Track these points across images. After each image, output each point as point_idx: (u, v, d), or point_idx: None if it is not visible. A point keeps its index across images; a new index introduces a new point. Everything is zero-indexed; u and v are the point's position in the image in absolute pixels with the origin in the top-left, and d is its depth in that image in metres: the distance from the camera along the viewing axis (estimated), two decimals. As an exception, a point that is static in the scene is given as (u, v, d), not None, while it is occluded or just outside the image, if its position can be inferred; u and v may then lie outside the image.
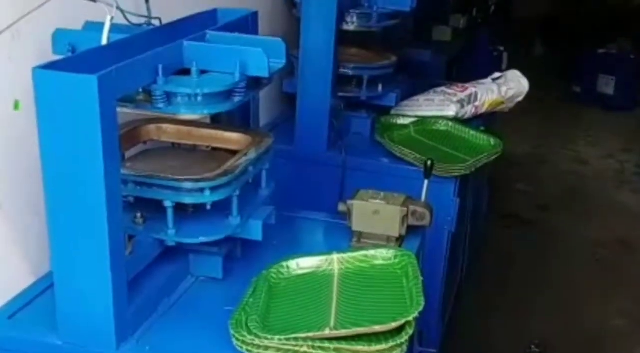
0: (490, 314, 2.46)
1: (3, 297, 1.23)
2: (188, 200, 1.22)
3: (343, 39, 2.04)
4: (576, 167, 4.01)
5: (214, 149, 1.43)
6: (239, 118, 1.47)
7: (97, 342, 1.12)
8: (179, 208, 1.24)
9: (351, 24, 2.09)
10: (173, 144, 1.45)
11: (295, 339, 1.09)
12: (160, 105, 1.15)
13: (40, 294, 1.25)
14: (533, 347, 2.32)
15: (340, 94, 2.11)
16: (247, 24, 1.43)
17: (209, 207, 1.23)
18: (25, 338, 1.17)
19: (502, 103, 2.38)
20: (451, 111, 2.25)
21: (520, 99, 2.44)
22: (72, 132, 1.01)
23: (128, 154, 1.37)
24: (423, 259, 1.54)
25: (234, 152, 1.36)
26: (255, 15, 1.46)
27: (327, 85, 2.00)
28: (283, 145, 1.46)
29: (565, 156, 4.11)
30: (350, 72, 2.13)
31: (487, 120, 2.39)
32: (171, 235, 1.23)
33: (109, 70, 1.01)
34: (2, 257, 1.27)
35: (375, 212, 1.47)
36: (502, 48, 4.05)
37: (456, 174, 1.95)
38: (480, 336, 2.37)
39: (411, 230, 1.49)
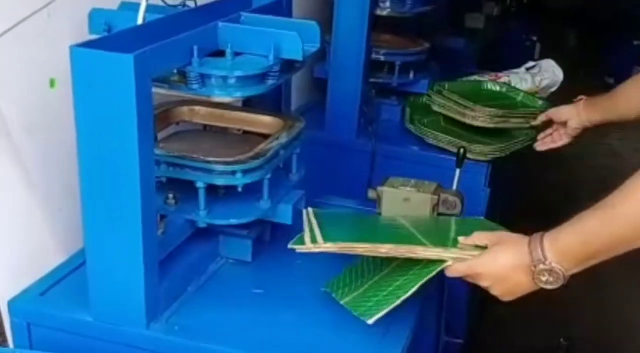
0: (518, 305, 2.43)
1: (35, 274, 1.25)
2: (220, 181, 1.22)
3: (375, 24, 2.02)
4: (608, 161, 3.94)
5: (245, 132, 1.43)
6: (270, 102, 1.47)
7: (127, 320, 1.13)
8: (211, 190, 1.24)
9: (385, 9, 2.07)
10: (205, 126, 1.45)
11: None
12: (195, 87, 1.15)
13: (72, 272, 1.27)
14: (562, 340, 2.30)
15: (372, 80, 2.09)
16: (281, 6, 1.43)
17: (240, 190, 1.23)
18: (56, 315, 1.18)
19: (536, 93, 2.34)
20: (483, 100, 2.23)
21: (554, 89, 2.40)
22: (108, 110, 1.01)
23: (160, 136, 1.37)
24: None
25: (265, 136, 1.36)
26: (289, -2, 1.45)
27: (359, 71, 1.98)
28: (313, 131, 1.46)
29: (598, 149, 4.04)
30: (382, 58, 2.11)
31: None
32: (203, 216, 1.23)
33: (145, 50, 1.01)
34: (34, 235, 1.29)
35: (405, 200, 1.45)
36: (535, 38, 3.99)
37: (490, 157, 1.94)
38: (508, 327, 2.35)
39: (441, 218, 1.48)
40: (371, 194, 1.50)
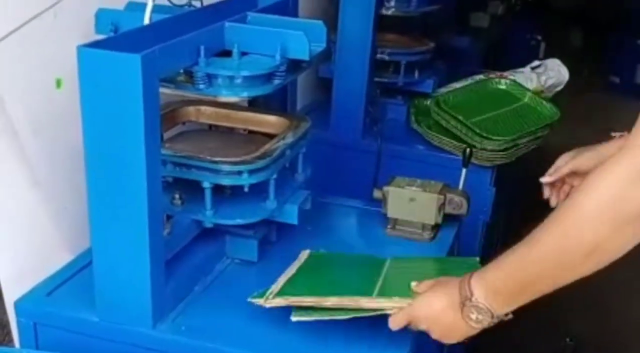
0: (523, 308, 2.43)
1: (41, 274, 1.25)
2: (226, 181, 1.22)
3: (380, 23, 2.02)
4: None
5: (250, 132, 1.43)
6: (276, 102, 1.47)
7: (134, 320, 1.13)
8: (217, 190, 1.24)
9: (390, 9, 2.07)
10: (210, 126, 1.45)
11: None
12: (201, 87, 1.15)
13: (77, 272, 1.27)
14: (568, 340, 2.30)
15: (377, 80, 2.09)
16: (286, 6, 1.42)
17: (246, 189, 1.23)
18: (62, 314, 1.18)
19: (541, 92, 2.34)
20: (489, 99, 2.22)
21: (559, 88, 2.39)
22: (115, 110, 1.01)
23: (166, 135, 1.37)
24: (458, 248, 1.53)
25: (270, 136, 1.36)
26: (295, -3, 1.45)
27: (364, 71, 1.98)
28: (318, 131, 1.46)
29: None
30: (387, 58, 2.11)
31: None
32: (209, 216, 1.23)
33: (152, 50, 1.01)
34: (40, 234, 1.29)
35: (411, 199, 1.45)
36: (539, 37, 3.98)
37: (496, 163, 1.93)
38: (513, 329, 2.35)
39: (447, 218, 1.48)
40: (377, 194, 1.50)
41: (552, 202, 1.37)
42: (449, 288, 1.07)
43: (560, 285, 0.99)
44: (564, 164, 1.35)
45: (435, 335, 1.09)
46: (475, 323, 1.03)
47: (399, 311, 1.09)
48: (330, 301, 1.08)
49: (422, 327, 1.09)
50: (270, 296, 1.12)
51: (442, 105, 2.01)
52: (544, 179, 1.35)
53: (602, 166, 0.93)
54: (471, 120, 1.96)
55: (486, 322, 1.03)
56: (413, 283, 1.13)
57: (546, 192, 1.39)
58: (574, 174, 1.33)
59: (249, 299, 1.14)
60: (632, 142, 0.90)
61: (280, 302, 1.10)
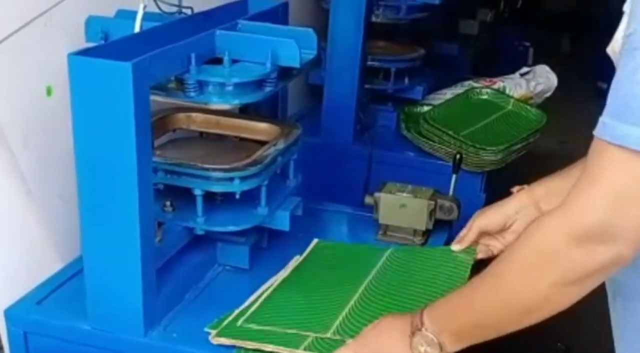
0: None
1: (32, 282, 1.25)
2: (217, 188, 1.22)
3: (370, 30, 2.03)
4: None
5: (241, 139, 1.43)
6: (267, 108, 1.47)
7: (125, 328, 1.13)
8: (208, 197, 1.24)
9: (379, 16, 2.08)
10: (201, 133, 1.45)
11: None
12: (192, 94, 1.15)
13: (68, 280, 1.26)
14: (559, 344, 2.30)
15: (367, 86, 2.10)
16: (277, 14, 1.43)
17: (237, 196, 1.23)
18: (53, 323, 1.18)
19: (530, 98, 2.35)
20: (478, 105, 2.23)
21: (548, 94, 2.41)
22: (106, 118, 1.01)
23: (157, 143, 1.37)
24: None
25: (261, 143, 1.36)
26: (285, 5, 1.46)
27: (355, 78, 1.99)
28: (308, 137, 1.46)
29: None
30: (377, 64, 2.12)
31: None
32: (200, 223, 1.23)
33: (143, 58, 1.01)
34: (31, 242, 1.28)
35: (402, 205, 1.46)
36: (528, 43, 4.01)
37: (486, 169, 1.94)
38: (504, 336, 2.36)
39: (438, 224, 1.49)
40: (368, 200, 1.50)
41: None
42: (399, 318, 1.05)
43: (507, 332, 0.96)
44: (466, 230, 1.31)
45: None
46: None
47: (345, 347, 1.07)
48: (270, 347, 1.09)
49: None
50: (220, 330, 1.13)
51: (430, 121, 2.02)
52: (454, 247, 1.31)
53: (541, 220, 0.89)
54: (462, 133, 1.97)
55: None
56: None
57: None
58: (484, 234, 1.30)
59: (205, 329, 1.14)
60: (572, 200, 0.86)
61: (224, 341, 1.12)
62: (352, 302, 1.20)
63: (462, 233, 1.32)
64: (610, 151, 0.82)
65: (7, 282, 1.22)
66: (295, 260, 1.35)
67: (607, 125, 0.82)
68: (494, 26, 3.42)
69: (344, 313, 1.17)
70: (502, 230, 1.28)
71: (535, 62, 2.68)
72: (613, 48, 0.94)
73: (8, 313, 1.18)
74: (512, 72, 2.46)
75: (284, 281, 1.28)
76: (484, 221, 1.29)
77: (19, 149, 1.22)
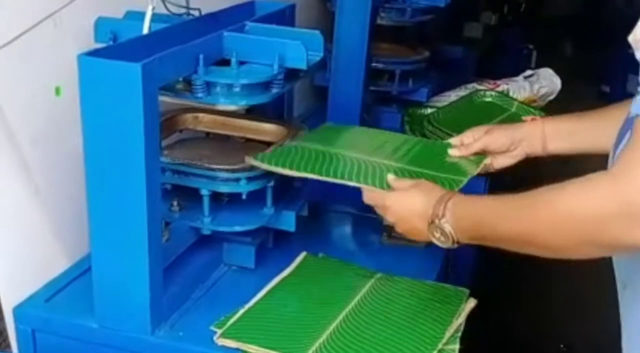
0: (515, 315, 2.44)
1: (40, 280, 1.26)
2: (224, 189, 1.23)
3: (375, 32, 2.04)
4: (602, 167, 3.95)
5: (247, 140, 1.44)
6: (273, 109, 1.48)
7: (132, 326, 1.14)
8: (215, 197, 1.25)
9: (385, 19, 2.09)
10: (207, 133, 1.46)
11: None
12: (200, 95, 1.16)
13: (76, 278, 1.27)
14: (562, 346, 2.31)
15: (371, 88, 2.10)
16: (284, 16, 1.44)
17: (244, 197, 1.25)
18: (61, 321, 1.19)
19: (534, 101, 2.36)
20: (482, 108, 2.24)
21: (552, 97, 2.42)
22: (115, 118, 1.02)
23: (164, 143, 1.38)
24: (453, 257, 1.54)
25: (267, 144, 1.37)
26: (292, 7, 1.47)
27: (360, 79, 1.99)
28: (314, 139, 1.48)
29: (592, 156, 4.04)
30: (382, 66, 2.13)
31: (517, 118, 2.37)
32: (207, 223, 1.24)
33: (152, 59, 1.02)
34: (39, 241, 1.29)
35: (407, 207, 1.46)
36: (531, 46, 4.01)
37: (490, 171, 1.94)
38: (507, 336, 2.36)
39: (442, 226, 1.49)
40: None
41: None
42: (429, 196, 1.09)
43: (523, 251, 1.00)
44: (472, 140, 1.35)
45: (398, 229, 1.15)
46: (436, 240, 1.07)
47: (375, 190, 1.16)
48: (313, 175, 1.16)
49: (389, 218, 1.14)
50: (224, 330, 1.15)
51: (434, 123, 2.02)
52: (453, 152, 1.34)
53: (597, 181, 0.89)
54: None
55: (446, 245, 1.06)
56: (390, 176, 1.18)
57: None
58: (484, 150, 1.34)
59: (211, 328, 1.16)
60: (631, 169, 0.85)
61: (229, 343, 1.13)
62: (331, 327, 1.18)
63: (466, 139, 1.35)
64: None
65: (16, 280, 1.23)
66: (283, 274, 1.33)
67: None
68: (498, 29, 3.43)
69: (322, 339, 1.15)
70: (503, 152, 1.33)
71: (539, 65, 2.68)
72: (636, 35, 0.95)
73: (16, 311, 1.19)
74: (516, 74, 2.46)
75: (274, 289, 1.28)
76: (491, 139, 1.32)
77: (27, 149, 1.23)
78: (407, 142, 1.43)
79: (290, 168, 1.21)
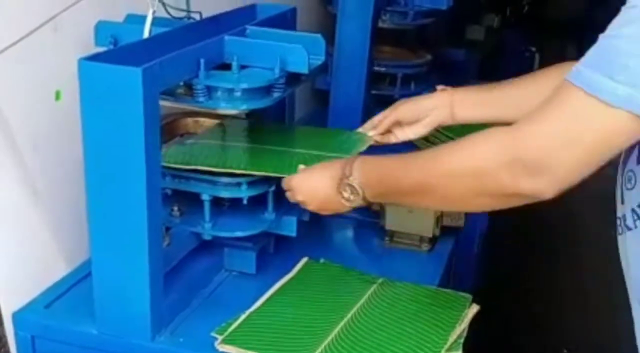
0: (519, 317, 2.43)
1: (40, 286, 1.25)
2: (225, 194, 1.22)
3: (377, 36, 2.03)
4: (604, 170, 3.94)
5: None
6: (274, 113, 1.47)
7: (132, 332, 1.13)
8: (215, 202, 1.24)
9: (386, 22, 2.08)
10: (208, 138, 1.45)
11: None
12: (201, 99, 1.15)
13: (76, 284, 1.27)
14: (566, 351, 2.30)
15: (373, 92, 2.10)
16: (285, 19, 1.43)
17: (245, 202, 1.24)
18: (61, 327, 1.18)
19: (536, 104, 2.35)
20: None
21: (554, 100, 2.40)
22: (115, 123, 1.02)
23: (165, 147, 1.37)
24: (456, 261, 1.53)
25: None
26: (293, 11, 1.46)
27: (361, 83, 1.99)
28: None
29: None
30: (384, 70, 2.12)
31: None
32: (207, 228, 1.23)
33: (152, 63, 1.01)
34: (39, 246, 1.29)
35: (409, 211, 1.46)
36: (534, 49, 4.00)
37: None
38: (510, 338, 2.35)
39: (445, 231, 1.48)
40: (375, 206, 1.50)
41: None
42: (333, 164, 1.16)
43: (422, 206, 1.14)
44: (381, 117, 1.39)
45: (312, 207, 1.18)
46: (346, 201, 1.11)
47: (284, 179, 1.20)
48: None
49: (299, 197, 1.18)
50: (225, 337, 1.14)
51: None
52: (371, 133, 1.40)
53: (492, 132, 0.93)
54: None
55: (356, 203, 1.11)
56: (300, 166, 1.22)
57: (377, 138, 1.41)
58: (397, 123, 1.38)
59: (212, 334, 1.15)
60: (522, 126, 0.90)
61: (230, 349, 1.12)
62: (333, 333, 1.17)
63: (376, 120, 1.40)
64: (577, 96, 0.84)
65: (15, 286, 1.22)
66: (284, 280, 1.32)
67: (582, 73, 0.85)
68: (500, 32, 3.42)
69: (323, 345, 1.14)
70: (414, 122, 1.38)
71: (541, 67, 2.67)
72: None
73: (16, 317, 1.19)
74: (518, 77, 2.45)
75: (274, 295, 1.27)
76: (402, 112, 1.38)
77: (28, 153, 1.22)
78: (312, 131, 1.49)
79: (189, 163, 1.22)
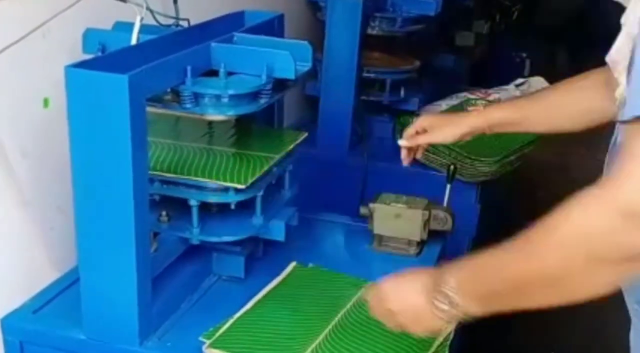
0: (508, 321, 2.44)
1: (28, 292, 1.25)
2: (213, 199, 1.23)
3: (366, 42, 2.05)
4: (599, 175, 3.95)
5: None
6: (262, 119, 1.48)
7: (120, 338, 1.14)
8: (203, 207, 1.25)
9: (375, 28, 2.10)
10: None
11: None
12: (188, 106, 1.16)
13: (64, 290, 1.27)
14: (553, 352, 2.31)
15: (363, 98, 2.11)
16: (273, 26, 1.44)
17: (233, 207, 1.24)
18: (49, 333, 1.19)
19: (525, 109, 2.36)
20: (473, 117, 2.24)
21: (543, 106, 2.42)
22: (102, 129, 1.02)
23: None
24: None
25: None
26: (281, 18, 1.47)
27: (350, 89, 2.00)
28: (304, 148, 1.47)
29: (589, 164, 4.04)
30: (373, 76, 2.13)
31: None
32: (195, 233, 1.24)
33: (139, 70, 1.02)
34: (27, 252, 1.29)
35: (397, 216, 1.47)
36: (524, 54, 4.03)
37: (481, 180, 1.95)
38: (499, 342, 2.36)
39: (433, 235, 1.50)
40: (363, 210, 1.51)
41: (405, 163, 1.48)
42: (419, 273, 1.04)
43: (531, 307, 0.92)
44: (414, 130, 1.44)
45: (401, 319, 1.05)
46: (440, 312, 0.98)
47: (369, 287, 1.12)
48: None
49: (390, 306, 1.05)
50: (213, 340, 1.14)
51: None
52: (402, 142, 1.45)
53: (585, 197, 0.84)
54: (457, 144, 1.97)
55: (451, 314, 0.97)
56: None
57: (404, 154, 1.47)
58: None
59: (200, 338, 1.15)
60: (619, 174, 0.82)
61: None
62: (321, 337, 1.18)
63: (411, 131, 1.45)
64: None
65: (4, 291, 1.23)
66: (273, 284, 1.33)
67: (637, 107, 0.81)
68: (490, 38, 3.44)
69: (311, 348, 1.15)
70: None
71: (532, 73, 2.69)
72: (611, 56, 0.94)
73: (4, 322, 1.19)
74: (508, 83, 2.47)
75: (263, 299, 1.28)
76: (441, 137, 1.45)
77: (16, 160, 1.23)
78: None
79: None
